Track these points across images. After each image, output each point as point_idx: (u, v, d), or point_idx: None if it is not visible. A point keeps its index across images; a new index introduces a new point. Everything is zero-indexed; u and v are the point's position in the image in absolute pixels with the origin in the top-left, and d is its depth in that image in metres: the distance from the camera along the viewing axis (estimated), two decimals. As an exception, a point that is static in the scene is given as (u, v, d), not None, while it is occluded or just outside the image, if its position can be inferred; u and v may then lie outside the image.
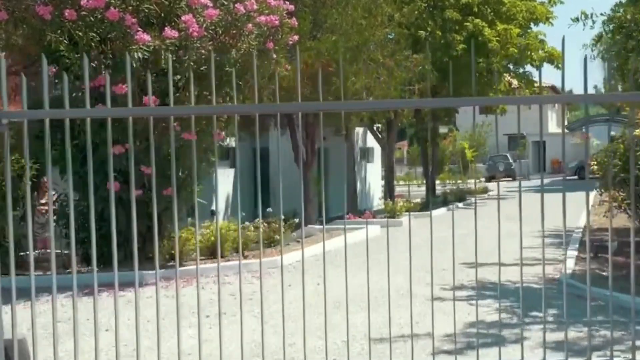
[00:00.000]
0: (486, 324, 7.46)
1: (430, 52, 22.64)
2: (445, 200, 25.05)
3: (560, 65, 26.83)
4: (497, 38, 25.07)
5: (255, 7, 11.45)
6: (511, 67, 28.38)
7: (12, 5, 10.77)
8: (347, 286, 4.38)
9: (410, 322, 4.80)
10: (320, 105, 5.21)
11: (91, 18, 10.52)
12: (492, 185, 38.09)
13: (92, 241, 4.50)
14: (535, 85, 30.05)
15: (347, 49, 16.19)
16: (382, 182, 29.36)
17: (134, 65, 10.17)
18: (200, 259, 12.07)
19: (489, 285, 9.60)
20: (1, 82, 4.26)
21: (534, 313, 8.32)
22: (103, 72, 10.79)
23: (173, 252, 11.97)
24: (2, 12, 10.62)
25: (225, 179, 19.05)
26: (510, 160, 46.41)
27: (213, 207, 18.68)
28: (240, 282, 4.57)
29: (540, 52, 27.59)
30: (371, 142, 29.21)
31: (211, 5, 11.06)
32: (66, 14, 10.40)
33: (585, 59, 4.67)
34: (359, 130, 26.77)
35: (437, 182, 31.51)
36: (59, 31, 10.59)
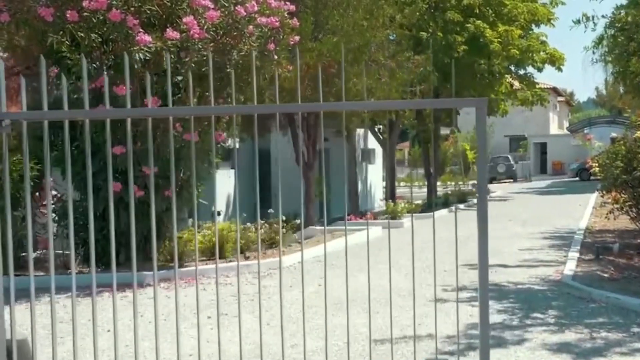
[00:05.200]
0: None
1: (432, 54, 22.62)
2: (446, 202, 25.05)
3: (561, 67, 26.83)
4: (499, 39, 25.05)
5: (256, 8, 11.47)
6: (512, 68, 28.36)
7: (14, 7, 10.79)
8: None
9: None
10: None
11: (93, 19, 10.53)
12: (493, 187, 38.01)
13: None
14: (537, 86, 30.05)
15: (348, 50, 16.21)
16: (383, 184, 29.36)
17: (135, 66, 10.19)
18: (201, 260, 12.09)
19: (489, 286, 9.59)
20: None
21: (535, 314, 8.32)
22: (104, 72, 10.82)
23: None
24: (4, 13, 10.64)
25: (226, 180, 19.08)
26: (512, 162, 46.40)
27: (213, 208, 18.69)
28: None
29: (541, 53, 27.57)
30: (372, 143, 29.24)
31: (212, 7, 11.09)
32: (68, 15, 10.41)
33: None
34: (360, 131, 26.79)
35: (439, 183, 31.49)
36: (61, 32, 10.61)
